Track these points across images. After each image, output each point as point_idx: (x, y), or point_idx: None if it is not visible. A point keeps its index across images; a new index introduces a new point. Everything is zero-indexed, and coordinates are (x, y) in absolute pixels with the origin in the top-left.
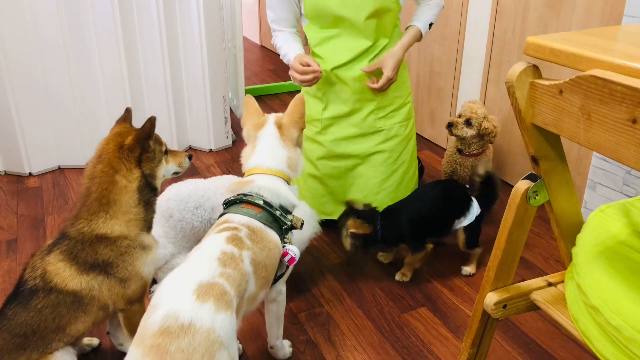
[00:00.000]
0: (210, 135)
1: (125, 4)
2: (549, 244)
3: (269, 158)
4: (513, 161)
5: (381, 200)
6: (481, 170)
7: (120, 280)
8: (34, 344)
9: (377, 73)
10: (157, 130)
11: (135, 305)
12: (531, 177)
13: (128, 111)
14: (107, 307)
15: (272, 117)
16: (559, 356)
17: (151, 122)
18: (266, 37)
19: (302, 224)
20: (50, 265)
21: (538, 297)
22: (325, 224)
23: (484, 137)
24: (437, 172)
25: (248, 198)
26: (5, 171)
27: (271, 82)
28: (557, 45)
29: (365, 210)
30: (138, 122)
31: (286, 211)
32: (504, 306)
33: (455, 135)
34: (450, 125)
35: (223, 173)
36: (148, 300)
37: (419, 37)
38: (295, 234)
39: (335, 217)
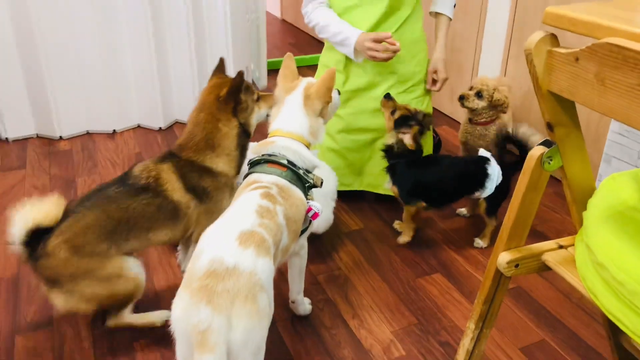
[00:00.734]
0: None
1: None
2: (564, 218)
3: (291, 123)
4: None
5: None
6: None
7: (207, 210)
8: (119, 235)
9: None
10: (182, 99)
11: None
12: (546, 143)
13: (222, 61)
14: (188, 229)
15: (304, 83)
16: (569, 323)
17: (240, 75)
18: (287, 11)
19: (321, 182)
20: (164, 173)
21: (549, 257)
22: (344, 194)
23: (496, 107)
24: (455, 147)
25: (272, 158)
26: (37, 134)
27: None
28: (575, 15)
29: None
30: (163, 96)
31: (307, 171)
32: (516, 265)
33: (467, 108)
34: (461, 98)
35: None
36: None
37: (449, 23)
38: (318, 191)
39: (353, 188)
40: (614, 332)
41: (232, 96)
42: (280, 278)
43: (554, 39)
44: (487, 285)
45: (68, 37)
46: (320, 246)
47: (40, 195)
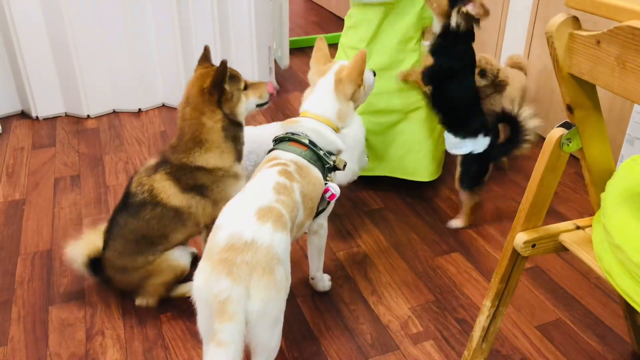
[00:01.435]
0: None
1: None
2: (585, 198)
3: (320, 106)
4: (554, 117)
5: (423, 156)
6: (491, 105)
7: (213, 202)
8: (146, 248)
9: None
10: None
11: None
12: (565, 125)
13: (206, 49)
14: (199, 223)
15: (337, 66)
16: (585, 302)
17: (223, 65)
18: None
19: (344, 165)
20: (157, 183)
21: (566, 238)
22: (364, 179)
23: (497, 86)
24: None
25: (295, 137)
26: (66, 113)
27: (314, 34)
28: None
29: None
30: (187, 75)
31: (329, 153)
32: (533, 245)
33: None
34: None
35: (267, 121)
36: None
37: None
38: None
39: (375, 173)
40: (631, 312)
41: (216, 87)
42: (301, 255)
43: (575, 21)
44: (503, 264)
45: (95, 18)
46: (340, 225)
47: (70, 172)
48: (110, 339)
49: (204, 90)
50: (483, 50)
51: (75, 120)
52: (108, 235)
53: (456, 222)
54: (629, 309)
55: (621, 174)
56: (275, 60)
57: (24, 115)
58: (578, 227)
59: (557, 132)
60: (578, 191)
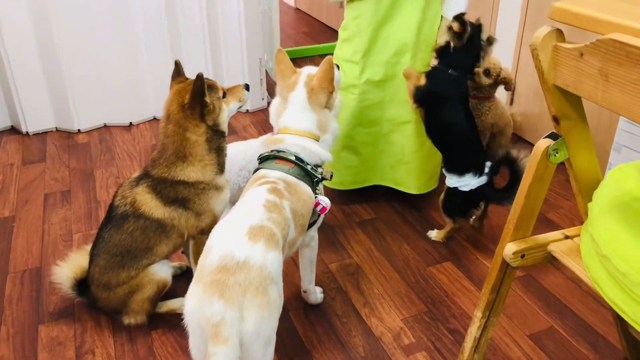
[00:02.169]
0: None
1: None
2: (575, 206)
3: (299, 120)
4: (542, 126)
5: (412, 169)
6: (490, 120)
7: (196, 213)
8: (129, 262)
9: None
10: None
11: (205, 235)
12: (552, 136)
13: (177, 64)
14: (184, 234)
15: (304, 76)
16: (577, 310)
17: (200, 78)
18: None
19: (331, 175)
20: (139, 196)
21: (555, 248)
22: (356, 190)
23: (499, 85)
24: None
25: (281, 154)
26: (56, 127)
27: (305, 44)
28: (580, 10)
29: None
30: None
31: (316, 165)
32: (522, 256)
33: (475, 82)
34: (473, 74)
35: (259, 133)
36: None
37: None
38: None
39: (367, 184)
40: (621, 319)
41: (197, 101)
42: (293, 268)
43: (559, 34)
44: (493, 275)
45: (85, 32)
46: (332, 236)
47: (60, 188)
48: (100, 357)
49: (185, 106)
50: None
51: (65, 135)
52: (93, 251)
53: (434, 233)
54: (619, 316)
55: (608, 183)
56: (266, 71)
57: (13, 130)
58: (567, 237)
59: (543, 143)
60: (568, 198)
